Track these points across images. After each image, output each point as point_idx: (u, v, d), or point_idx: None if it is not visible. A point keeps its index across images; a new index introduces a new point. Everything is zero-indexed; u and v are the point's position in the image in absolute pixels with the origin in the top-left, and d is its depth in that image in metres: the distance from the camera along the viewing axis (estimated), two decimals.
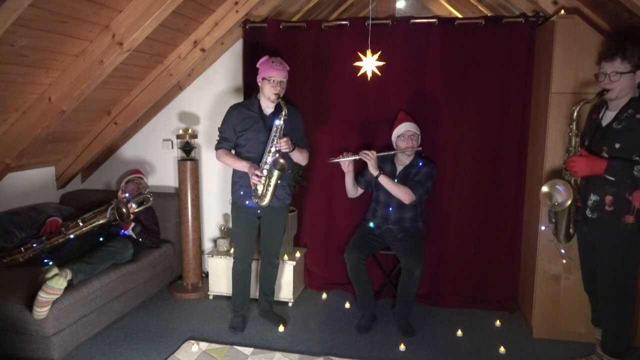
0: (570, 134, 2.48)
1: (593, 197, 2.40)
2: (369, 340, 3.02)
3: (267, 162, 2.80)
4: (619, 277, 2.40)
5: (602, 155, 2.34)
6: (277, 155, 2.77)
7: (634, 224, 2.29)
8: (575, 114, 2.44)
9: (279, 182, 2.82)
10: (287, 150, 2.78)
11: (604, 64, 2.32)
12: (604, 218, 2.37)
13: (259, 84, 2.86)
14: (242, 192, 2.92)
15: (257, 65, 2.86)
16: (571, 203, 2.49)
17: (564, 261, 2.87)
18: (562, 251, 2.79)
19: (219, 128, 2.98)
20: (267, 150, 2.81)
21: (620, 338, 2.49)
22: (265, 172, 2.78)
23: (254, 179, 2.77)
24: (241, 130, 2.88)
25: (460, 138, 3.39)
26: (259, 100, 2.91)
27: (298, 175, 3.51)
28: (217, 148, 2.96)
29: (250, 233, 3.04)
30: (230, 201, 3.07)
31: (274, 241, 3.11)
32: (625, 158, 2.26)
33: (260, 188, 2.81)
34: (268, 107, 2.89)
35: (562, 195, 2.48)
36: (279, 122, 2.78)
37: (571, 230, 2.58)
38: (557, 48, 2.79)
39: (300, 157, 2.96)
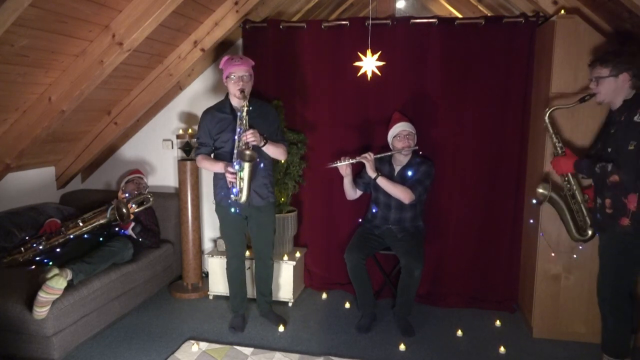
0: (548, 136, 2.74)
1: (598, 200, 2.49)
2: (369, 340, 3.02)
3: (236, 155, 2.77)
4: (615, 279, 2.45)
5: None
6: (244, 147, 2.72)
7: (629, 227, 2.33)
8: (547, 117, 2.69)
9: (261, 176, 2.80)
10: (254, 142, 2.72)
11: (589, 70, 2.48)
12: (605, 220, 2.45)
13: (225, 84, 2.86)
14: (222, 193, 2.91)
15: (220, 67, 2.85)
16: (565, 197, 2.72)
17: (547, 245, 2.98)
18: (541, 233, 2.97)
19: (196, 135, 2.97)
20: (236, 144, 2.78)
21: (619, 339, 2.51)
22: (237, 167, 2.75)
23: (228, 176, 2.76)
24: (217, 133, 2.87)
25: (460, 138, 3.39)
26: (229, 101, 2.91)
27: (297, 176, 3.51)
28: (195, 155, 2.96)
29: (239, 230, 3.03)
30: (214, 203, 3.05)
31: (264, 243, 3.09)
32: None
33: (237, 185, 2.78)
34: (239, 106, 2.86)
35: (548, 187, 2.77)
36: (240, 114, 2.75)
37: (589, 231, 2.68)
38: (557, 48, 2.79)
39: (276, 152, 2.90)
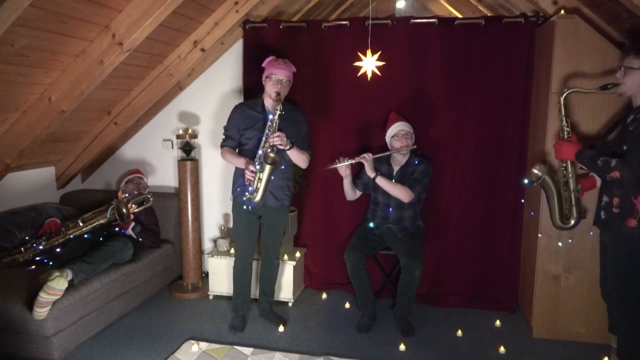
0: (559, 117, 2.63)
1: (604, 199, 2.40)
2: (369, 340, 3.02)
3: (260, 156, 2.80)
4: (625, 281, 2.34)
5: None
6: (269, 150, 2.75)
7: (636, 228, 2.23)
8: (562, 99, 2.59)
9: (272, 178, 2.81)
10: (280, 145, 2.75)
11: (622, 57, 2.34)
12: (611, 220, 2.35)
13: (264, 83, 2.89)
14: (238, 189, 2.94)
15: (263, 65, 2.89)
16: (558, 182, 2.67)
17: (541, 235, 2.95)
18: (532, 213, 2.94)
19: (224, 126, 3.01)
20: (261, 145, 2.81)
21: (634, 345, 2.38)
22: (258, 167, 2.78)
23: (247, 174, 2.78)
24: (243, 129, 2.91)
25: (460, 138, 3.39)
26: (263, 100, 2.93)
27: (298, 176, 3.51)
28: (221, 146, 3.00)
29: (250, 232, 3.04)
30: (232, 199, 3.08)
31: (273, 242, 3.11)
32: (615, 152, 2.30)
33: (253, 184, 2.81)
34: (271, 107, 2.89)
35: (543, 169, 2.70)
36: (272, 117, 2.77)
37: (572, 221, 2.64)
38: (557, 48, 2.80)
39: (299, 158, 2.93)
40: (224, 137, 3.01)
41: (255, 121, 2.89)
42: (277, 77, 2.81)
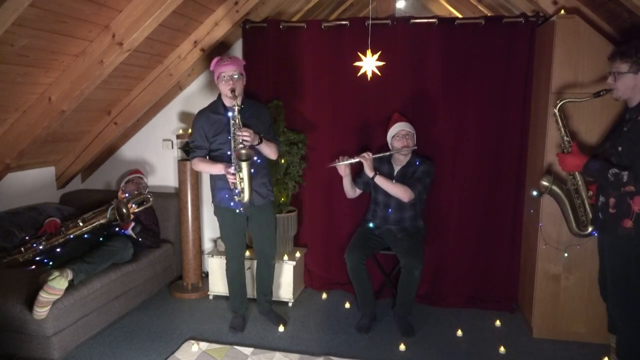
0: (558, 129, 2.63)
1: (601, 199, 2.38)
2: (369, 340, 3.02)
3: (234, 156, 2.76)
4: (622, 283, 2.32)
5: (612, 158, 2.32)
6: (240, 147, 2.70)
7: (631, 229, 2.21)
8: (556, 110, 2.60)
9: (253, 175, 2.78)
10: (249, 140, 2.70)
11: (609, 63, 2.34)
12: (607, 220, 2.33)
13: (217, 85, 2.84)
14: (226, 195, 2.90)
15: (211, 69, 2.84)
16: (568, 190, 2.68)
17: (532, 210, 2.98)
18: (532, 210, 2.97)
19: (189, 137, 2.95)
20: (232, 146, 2.77)
21: (633, 347, 2.36)
22: (236, 168, 2.74)
23: (229, 178, 2.75)
24: (213, 136, 2.87)
25: (460, 138, 3.39)
26: (222, 102, 2.90)
27: (298, 176, 3.51)
28: (191, 158, 2.95)
29: (238, 231, 3.03)
30: (213, 206, 3.05)
31: (267, 243, 3.09)
32: (613, 163, 2.28)
33: (238, 185, 2.77)
34: (231, 106, 2.83)
35: (550, 180, 2.74)
36: (233, 114, 2.73)
37: (590, 228, 2.64)
38: (557, 48, 2.79)
39: (269, 150, 2.90)
40: (191, 148, 2.95)
41: (223, 125, 2.85)
42: (227, 75, 2.76)
